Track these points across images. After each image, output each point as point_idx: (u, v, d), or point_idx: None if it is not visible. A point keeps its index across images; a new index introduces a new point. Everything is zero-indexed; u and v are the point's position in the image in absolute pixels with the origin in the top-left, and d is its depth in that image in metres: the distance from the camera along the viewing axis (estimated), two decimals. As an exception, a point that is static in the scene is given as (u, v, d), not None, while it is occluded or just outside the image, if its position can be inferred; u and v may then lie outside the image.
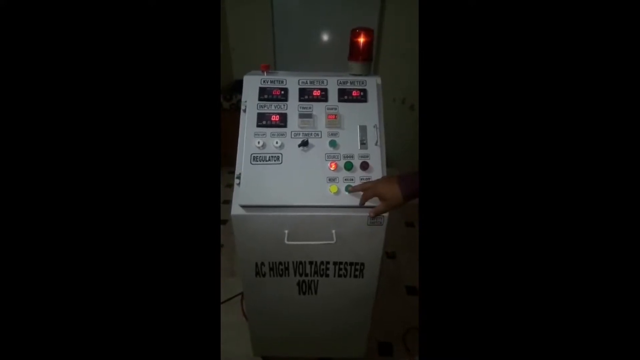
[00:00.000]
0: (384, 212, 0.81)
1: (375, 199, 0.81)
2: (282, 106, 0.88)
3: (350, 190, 0.82)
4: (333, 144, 0.85)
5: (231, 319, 1.35)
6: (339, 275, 0.94)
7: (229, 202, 0.84)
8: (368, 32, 0.90)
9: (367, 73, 0.94)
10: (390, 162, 0.87)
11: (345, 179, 0.84)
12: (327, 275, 0.95)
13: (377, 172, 0.85)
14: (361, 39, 0.90)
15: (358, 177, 0.84)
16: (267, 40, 2.51)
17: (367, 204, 0.82)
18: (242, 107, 0.89)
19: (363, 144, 0.86)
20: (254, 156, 0.84)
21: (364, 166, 0.84)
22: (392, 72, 2.26)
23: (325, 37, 2.53)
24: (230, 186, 0.84)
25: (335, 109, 0.88)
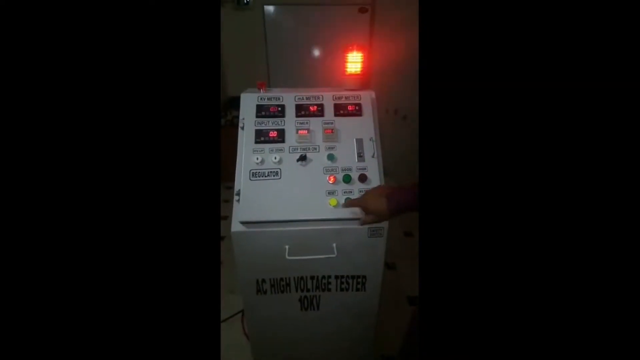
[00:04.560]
0: (370, 223, 0.80)
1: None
2: (280, 122, 0.89)
3: (343, 205, 0.83)
4: (331, 157, 0.86)
5: (232, 338, 1.32)
6: (341, 289, 0.94)
7: (226, 217, 0.83)
8: (361, 48, 0.93)
9: (362, 87, 0.96)
10: (385, 172, 0.89)
11: (345, 192, 0.84)
12: (329, 290, 0.94)
13: (375, 183, 0.85)
14: (354, 55, 0.92)
15: (357, 189, 0.85)
16: (260, 56, 2.56)
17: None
18: (240, 125, 0.89)
19: (360, 156, 0.87)
20: (253, 172, 0.84)
21: (362, 178, 0.85)
22: (384, 85, 2.30)
23: (317, 53, 2.59)
24: (227, 202, 0.84)
25: (332, 123, 0.90)
